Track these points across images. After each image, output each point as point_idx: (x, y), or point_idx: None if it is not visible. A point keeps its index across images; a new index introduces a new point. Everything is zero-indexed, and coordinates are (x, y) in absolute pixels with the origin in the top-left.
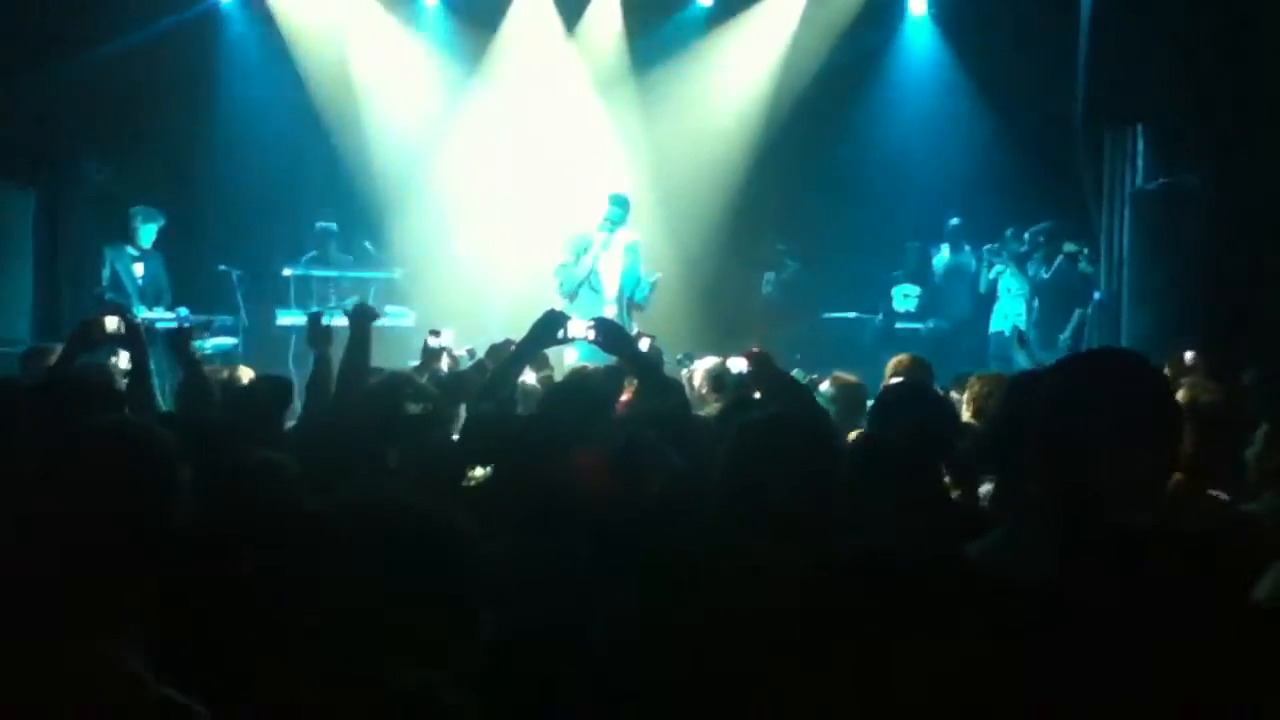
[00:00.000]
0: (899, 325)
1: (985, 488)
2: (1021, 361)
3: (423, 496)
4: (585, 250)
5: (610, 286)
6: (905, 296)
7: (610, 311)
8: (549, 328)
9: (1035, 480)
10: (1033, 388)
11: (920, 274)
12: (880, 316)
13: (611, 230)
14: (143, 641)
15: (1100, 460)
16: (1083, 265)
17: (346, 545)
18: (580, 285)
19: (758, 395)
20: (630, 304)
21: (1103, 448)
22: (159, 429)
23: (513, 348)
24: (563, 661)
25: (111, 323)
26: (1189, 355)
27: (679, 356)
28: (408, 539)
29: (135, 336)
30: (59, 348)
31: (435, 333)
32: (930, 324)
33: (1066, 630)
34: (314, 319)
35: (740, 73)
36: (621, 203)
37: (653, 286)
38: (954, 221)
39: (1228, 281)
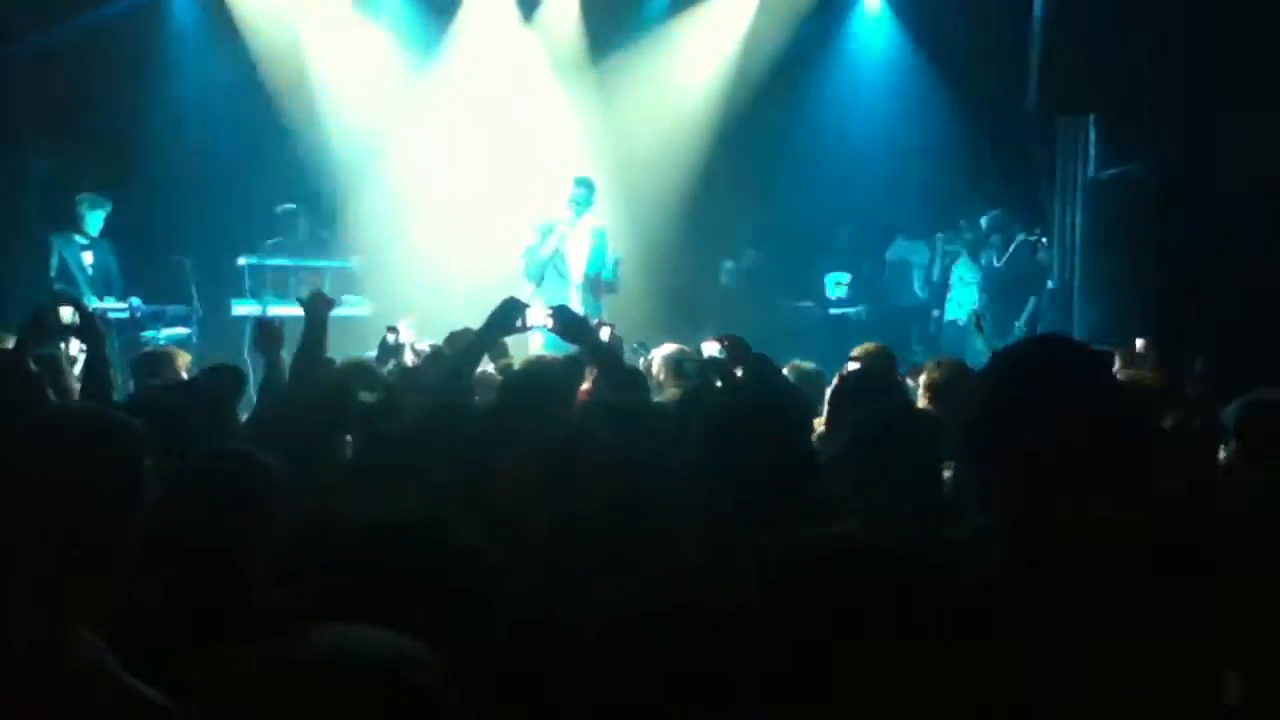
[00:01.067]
0: (831, 312)
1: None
2: (979, 347)
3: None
4: (550, 233)
5: (576, 270)
6: (837, 284)
7: (575, 295)
8: (508, 316)
9: (993, 468)
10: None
11: (852, 260)
12: (810, 304)
13: (578, 212)
14: (114, 634)
15: (1045, 445)
16: (1039, 254)
17: (353, 558)
18: (545, 268)
19: (723, 381)
20: (598, 285)
21: (1047, 431)
22: (128, 417)
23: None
24: (538, 661)
25: (66, 313)
26: (1139, 343)
27: (634, 345)
28: (414, 552)
29: (90, 327)
30: (6, 335)
31: (393, 329)
32: (860, 309)
33: (1011, 627)
34: (263, 324)
35: (698, 59)
36: (586, 184)
37: (618, 265)
38: (905, 210)
39: (1180, 271)
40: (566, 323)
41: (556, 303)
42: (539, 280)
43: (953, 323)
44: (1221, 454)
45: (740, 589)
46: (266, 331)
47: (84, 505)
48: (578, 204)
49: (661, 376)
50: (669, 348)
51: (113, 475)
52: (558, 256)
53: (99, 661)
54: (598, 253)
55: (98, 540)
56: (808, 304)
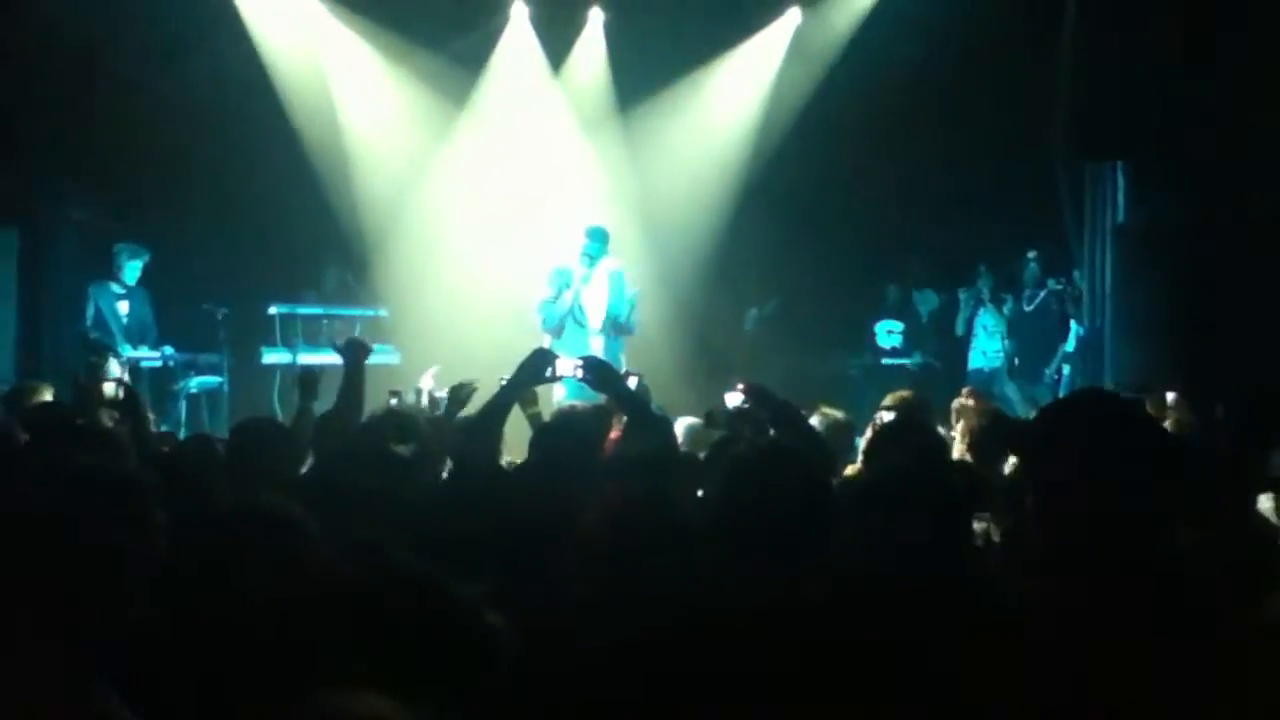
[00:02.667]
0: (885, 361)
1: (979, 524)
2: (1011, 394)
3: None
4: (566, 284)
5: (595, 317)
6: (889, 333)
7: (596, 342)
8: (537, 366)
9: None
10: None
11: (901, 312)
12: (866, 354)
13: (591, 264)
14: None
15: (1095, 496)
16: (1067, 302)
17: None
18: (563, 319)
19: (755, 429)
20: (616, 325)
21: (1096, 483)
22: (137, 470)
23: (476, 387)
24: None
25: (109, 388)
26: (1170, 396)
27: (655, 407)
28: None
29: (133, 403)
30: (44, 386)
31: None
32: (917, 359)
33: (1042, 672)
34: (309, 374)
35: (725, 108)
36: (598, 235)
37: (634, 305)
38: (928, 262)
39: (1210, 317)
40: (596, 372)
41: (578, 351)
42: (558, 331)
43: (978, 371)
44: (1266, 504)
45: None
46: (309, 379)
47: (95, 556)
48: (590, 256)
49: (685, 448)
50: (686, 420)
51: (122, 529)
52: (576, 307)
53: (115, 711)
54: (617, 295)
55: (109, 592)
56: (841, 352)
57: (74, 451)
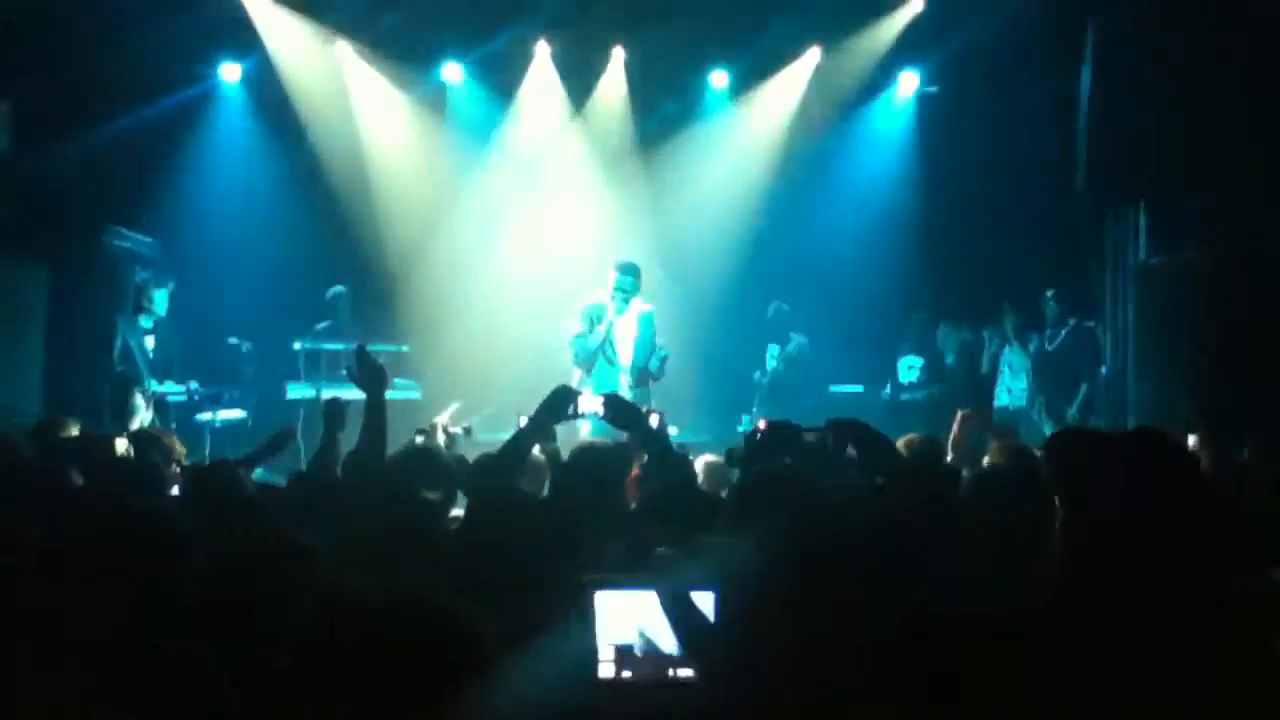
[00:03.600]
0: (903, 396)
1: None
2: (1047, 430)
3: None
4: (599, 319)
5: (625, 356)
6: (909, 368)
7: (624, 381)
8: (560, 403)
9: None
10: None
11: (923, 345)
12: (888, 388)
13: (625, 299)
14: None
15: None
16: (1093, 339)
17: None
18: (595, 355)
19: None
20: (644, 373)
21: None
22: (168, 508)
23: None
24: None
25: (120, 444)
26: (1192, 440)
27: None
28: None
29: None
30: (71, 421)
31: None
32: (930, 392)
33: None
34: (335, 405)
35: (745, 148)
36: (631, 270)
37: (664, 360)
38: (948, 298)
39: (1233, 358)
40: (618, 410)
41: (608, 388)
42: (589, 367)
43: (1003, 409)
44: None
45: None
46: (335, 408)
47: (127, 586)
48: (624, 291)
49: (705, 486)
50: (706, 458)
51: (151, 558)
52: (607, 344)
53: None
54: (645, 339)
55: (147, 622)
56: (856, 388)
57: (119, 488)
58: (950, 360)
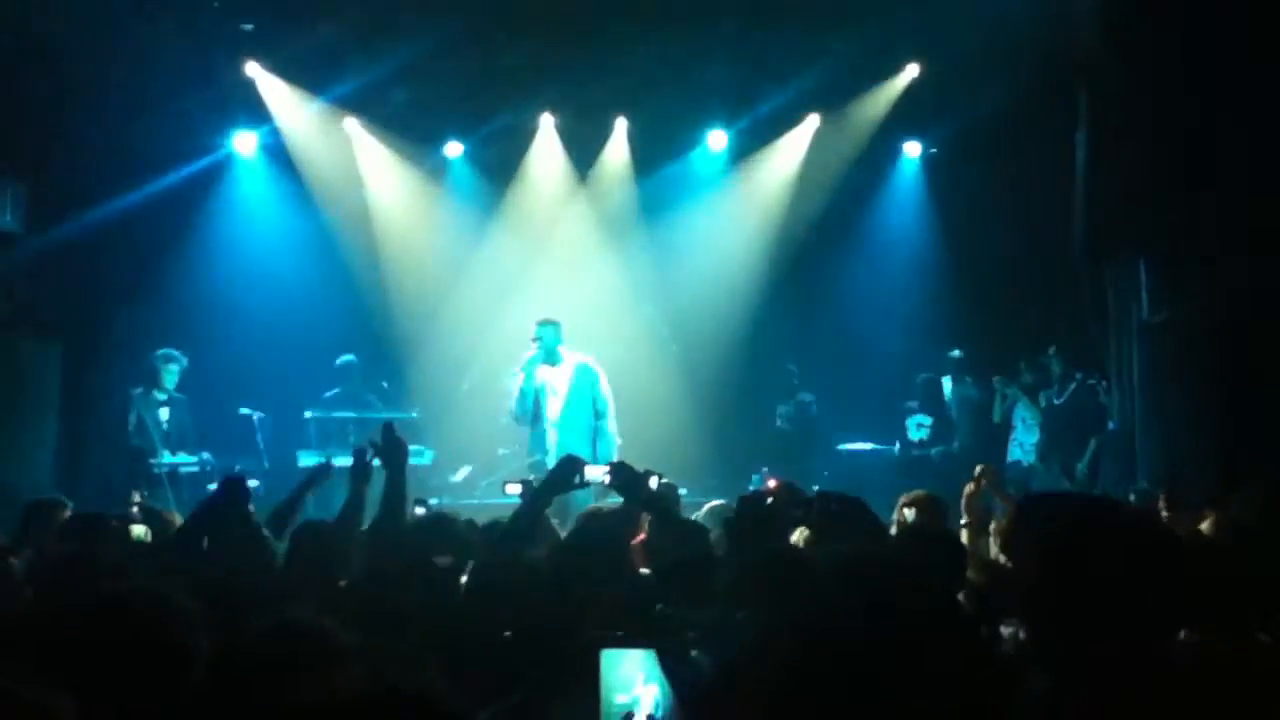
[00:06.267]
0: (914, 454)
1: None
2: (1065, 486)
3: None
4: (529, 374)
5: (553, 409)
6: (919, 426)
7: (552, 436)
8: (567, 472)
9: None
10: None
11: (932, 404)
12: (898, 446)
13: (542, 350)
14: None
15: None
16: (1100, 395)
17: None
18: (526, 410)
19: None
20: (596, 418)
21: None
22: (177, 599)
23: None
24: None
25: (138, 530)
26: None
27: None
28: None
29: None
30: (66, 502)
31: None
32: (939, 450)
33: None
34: (360, 455)
35: (749, 209)
36: (547, 324)
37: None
38: (955, 354)
39: (1240, 413)
40: (622, 477)
41: (535, 444)
42: (528, 421)
43: (1016, 464)
44: None
45: None
46: (361, 464)
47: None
48: (539, 340)
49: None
50: (715, 503)
51: (154, 657)
52: (539, 399)
53: None
54: (579, 390)
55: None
56: (867, 446)
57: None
58: (955, 414)
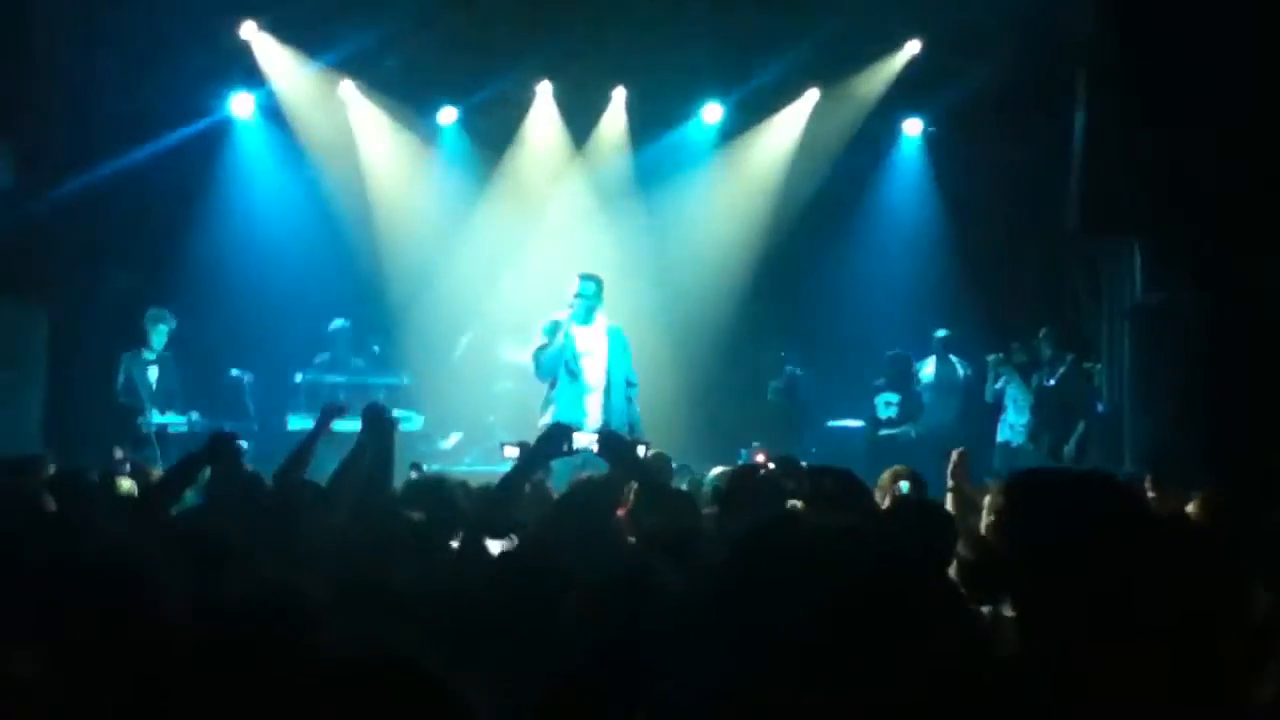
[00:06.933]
0: (882, 433)
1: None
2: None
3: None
4: (555, 332)
5: (592, 372)
6: (887, 405)
7: (593, 400)
8: (555, 441)
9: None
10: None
11: (900, 381)
12: (865, 424)
13: (586, 307)
14: None
15: (1081, 584)
16: (1090, 378)
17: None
18: (556, 367)
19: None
20: (628, 387)
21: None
22: (153, 556)
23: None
24: None
25: (125, 484)
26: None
27: (674, 466)
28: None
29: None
30: (49, 457)
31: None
32: (909, 429)
33: None
34: (376, 409)
35: (744, 185)
36: (592, 279)
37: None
38: (940, 333)
39: (1231, 396)
40: (611, 445)
41: (569, 403)
42: (552, 382)
43: (1004, 445)
44: None
45: None
46: (378, 414)
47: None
48: (584, 297)
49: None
50: (719, 469)
51: (129, 618)
52: (570, 357)
53: None
54: (616, 354)
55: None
56: (856, 424)
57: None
58: (934, 393)
